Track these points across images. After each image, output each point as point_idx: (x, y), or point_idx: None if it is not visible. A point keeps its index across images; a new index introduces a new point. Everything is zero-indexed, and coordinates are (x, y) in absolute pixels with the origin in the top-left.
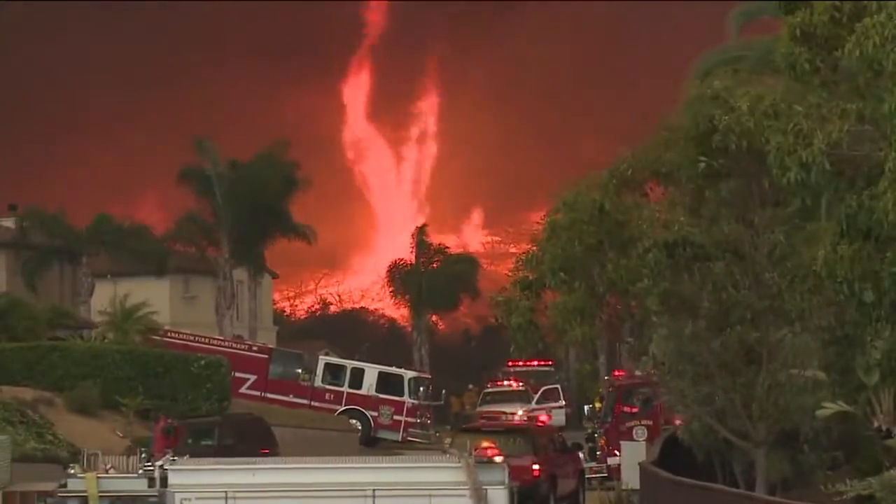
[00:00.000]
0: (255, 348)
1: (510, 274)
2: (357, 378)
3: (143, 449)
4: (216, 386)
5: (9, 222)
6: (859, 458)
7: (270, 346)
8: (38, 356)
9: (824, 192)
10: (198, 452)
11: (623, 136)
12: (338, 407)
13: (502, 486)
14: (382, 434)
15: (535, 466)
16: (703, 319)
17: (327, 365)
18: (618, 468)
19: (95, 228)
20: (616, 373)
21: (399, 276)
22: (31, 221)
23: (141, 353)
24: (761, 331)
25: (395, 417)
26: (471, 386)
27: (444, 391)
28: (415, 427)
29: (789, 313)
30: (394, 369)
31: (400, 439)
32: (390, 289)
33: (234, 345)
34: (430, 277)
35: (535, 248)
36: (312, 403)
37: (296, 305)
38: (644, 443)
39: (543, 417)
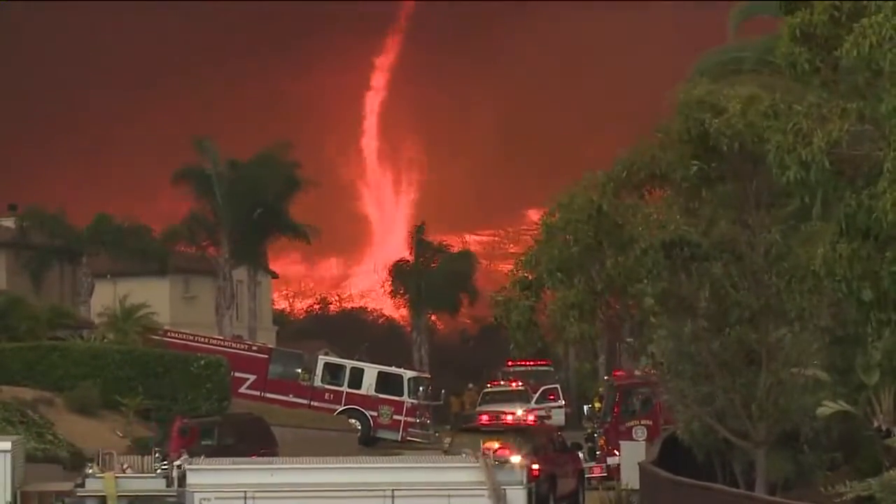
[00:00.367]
0: (254, 348)
1: (510, 273)
2: (356, 378)
3: (157, 449)
4: (216, 386)
5: (9, 222)
6: (859, 458)
7: (270, 346)
8: (38, 356)
9: (822, 191)
10: (198, 452)
11: (624, 136)
12: (337, 407)
13: (520, 486)
14: (382, 434)
15: (535, 466)
16: (702, 319)
17: (327, 365)
18: (617, 468)
19: (95, 228)
20: (616, 373)
21: (398, 276)
22: (31, 221)
23: (141, 353)
24: (760, 331)
25: (395, 417)
26: (470, 385)
27: (443, 391)
28: (414, 427)
29: (789, 313)
30: (393, 369)
31: (399, 439)
32: (390, 289)
33: (234, 345)
34: (430, 277)
35: (533, 248)
36: (312, 403)
37: (295, 305)
38: (644, 443)
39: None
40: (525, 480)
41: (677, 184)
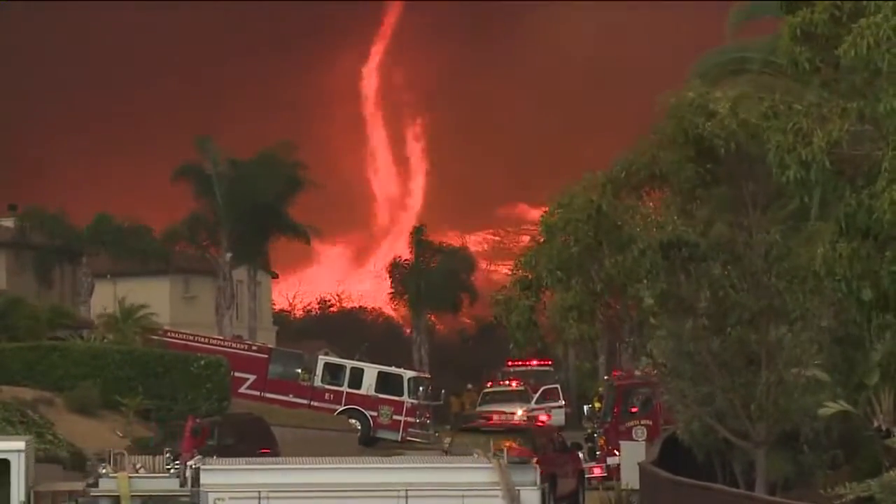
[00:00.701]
0: (254, 348)
1: (510, 273)
2: (356, 378)
3: (168, 448)
4: (216, 386)
5: (9, 222)
6: (859, 458)
7: (270, 345)
8: (38, 356)
9: (821, 191)
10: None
11: (625, 136)
12: (337, 407)
13: (534, 487)
14: (382, 434)
15: None
16: (701, 319)
17: (327, 365)
18: (617, 468)
19: (95, 228)
20: (616, 373)
21: (398, 276)
22: (31, 221)
23: (141, 353)
24: (760, 331)
25: (395, 417)
26: (470, 385)
27: (443, 391)
28: (414, 427)
29: (790, 313)
30: (393, 369)
31: (399, 439)
32: (390, 290)
33: (234, 345)
34: (429, 277)
35: (533, 248)
36: (312, 403)
37: (295, 305)
38: (644, 443)
39: (543, 417)
40: (539, 481)
41: (675, 185)
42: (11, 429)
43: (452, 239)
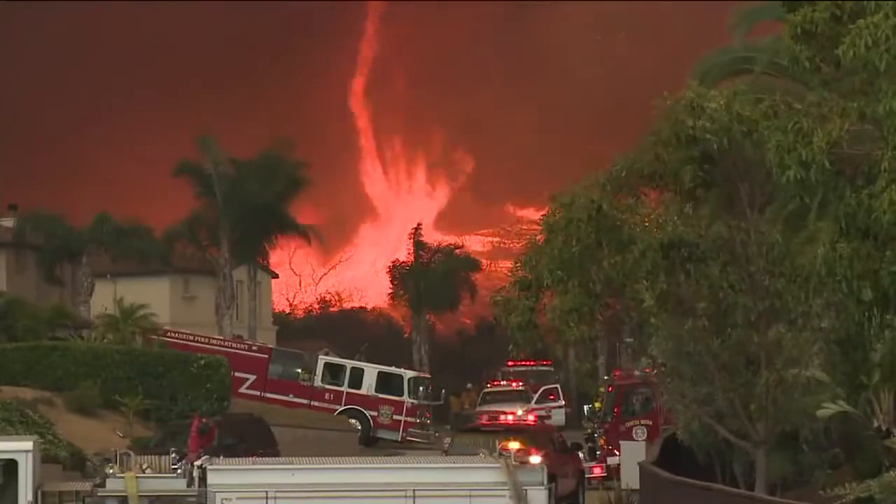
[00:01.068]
0: (254, 348)
1: (509, 273)
2: (357, 378)
3: (174, 448)
4: (216, 386)
5: (9, 222)
6: (859, 458)
7: (270, 345)
8: (38, 356)
9: (819, 191)
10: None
11: (624, 137)
12: (337, 407)
13: (541, 487)
14: (382, 434)
15: None
16: (701, 320)
17: (327, 365)
18: (617, 468)
19: (95, 228)
20: (616, 373)
21: (398, 276)
22: (31, 221)
23: (141, 353)
24: (760, 332)
25: (395, 417)
26: (469, 385)
27: (443, 391)
28: (414, 427)
29: (790, 313)
30: (393, 369)
31: (399, 439)
32: (390, 290)
33: (234, 345)
34: (429, 277)
35: (533, 248)
36: (312, 403)
37: (295, 305)
38: (644, 443)
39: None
40: (545, 481)
41: (674, 186)
42: (11, 429)
43: (452, 239)
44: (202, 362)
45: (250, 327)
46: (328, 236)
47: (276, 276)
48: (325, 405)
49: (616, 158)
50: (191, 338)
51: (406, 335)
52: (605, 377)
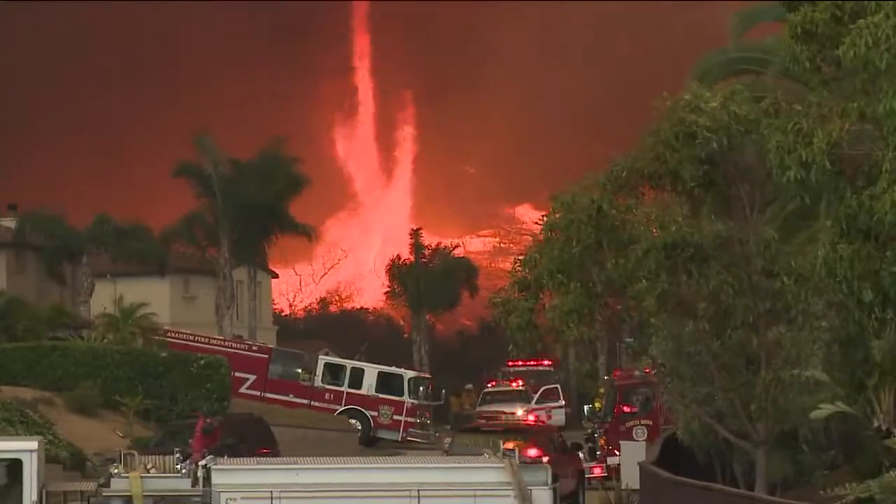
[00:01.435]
0: (254, 348)
1: (509, 274)
2: (357, 378)
3: (178, 448)
4: (216, 386)
5: (9, 222)
6: (859, 458)
7: (270, 345)
8: (38, 356)
9: (823, 192)
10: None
11: (625, 137)
12: (338, 407)
13: (546, 487)
14: (382, 434)
15: None
16: (702, 320)
17: (327, 365)
18: (617, 468)
19: (95, 229)
20: (616, 373)
21: (398, 276)
22: (31, 221)
23: (141, 353)
24: (759, 332)
25: (395, 417)
26: (469, 385)
27: (443, 391)
28: (415, 427)
29: (790, 311)
30: (394, 369)
31: (399, 439)
32: (388, 289)
33: (234, 345)
34: (429, 277)
35: (533, 248)
36: (312, 403)
37: (295, 305)
38: (644, 443)
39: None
40: (550, 480)
41: (673, 186)
42: (12, 429)
43: (452, 239)
44: (202, 362)
45: (250, 327)
46: (323, 236)
47: (277, 276)
48: (326, 405)
49: (616, 159)
50: (191, 338)
51: (406, 335)
52: (606, 377)
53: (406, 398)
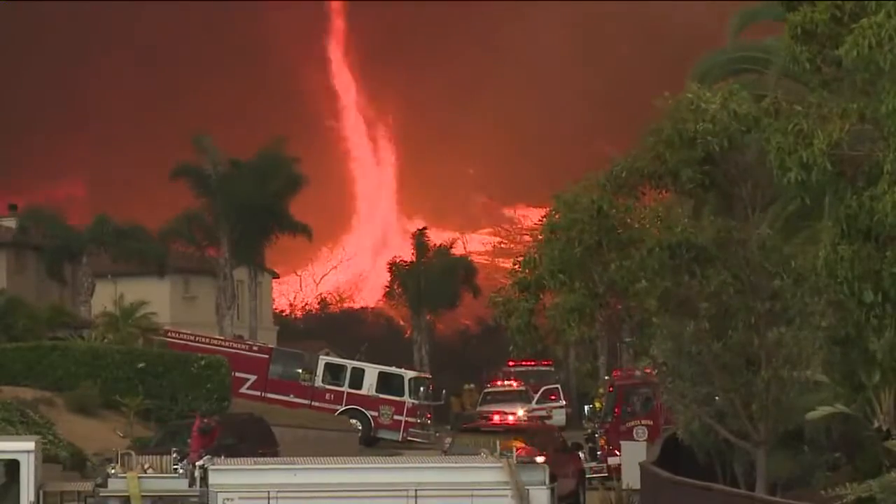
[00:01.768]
0: (255, 348)
1: (509, 274)
2: (357, 378)
3: (175, 448)
4: (216, 386)
5: (9, 222)
6: (860, 458)
7: (271, 345)
8: (38, 356)
9: (825, 192)
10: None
11: (625, 137)
12: (338, 407)
13: (543, 486)
14: (382, 434)
15: None
16: (703, 320)
17: (327, 365)
18: (618, 468)
19: (95, 229)
20: (616, 373)
21: (398, 276)
22: (31, 221)
23: (141, 353)
24: (760, 332)
25: (396, 417)
26: (469, 385)
27: (444, 391)
28: (415, 427)
29: (790, 312)
30: (394, 369)
31: (400, 439)
32: (385, 289)
33: (235, 345)
34: (429, 277)
35: (533, 248)
36: (313, 403)
37: (295, 305)
38: (644, 443)
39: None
40: (548, 480)
41: (674, 186)
42: (12, 429)
43: (452, 239)
44: (202, 362)
45: (251, 327)
46: (323, 236)
47: (277, 276)
48: (326, 405)
49: (616, 159)
50: (191, 338)
51: (406, 335)
52: (606, 377)
53: (406, 398)
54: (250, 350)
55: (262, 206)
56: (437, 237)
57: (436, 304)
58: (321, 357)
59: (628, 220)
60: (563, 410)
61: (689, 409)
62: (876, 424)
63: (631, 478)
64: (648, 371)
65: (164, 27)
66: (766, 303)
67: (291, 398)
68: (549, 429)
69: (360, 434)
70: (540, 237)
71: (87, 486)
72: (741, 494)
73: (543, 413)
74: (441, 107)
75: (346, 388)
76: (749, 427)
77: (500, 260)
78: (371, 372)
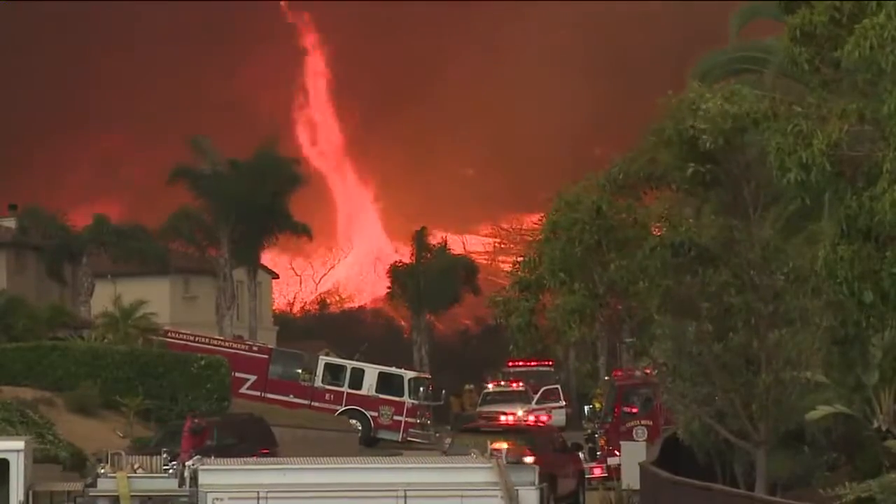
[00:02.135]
0: (255, 348)
1: (509, 274)
2: (357, 378)
3: (165, 448)
4: (216, 386)
5: (9, 222)
6: (860, 458)
7: (270, 346)
8: (38, 356)
9: (826, 193)
10: (197, 453)
11: (625, 137)
12: (338, 407)
13: (533, 487)
14: (382, 434)
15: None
16: (705, 321)
17: (327, 365)
18: (618, 468)
19: (95, 228)
20: (616, 373)
21: (398, 276)
22: (31, 221)
23: (141, 353)
24: (761, 333)
25: (395, 417)
26: (469, 385)
27: (443, 391)
28: (415, 427)
29: (789, 313)
30: (394, 369)
31: (400, 439)
32: (388, 290)
33: (234, 345)
34: (429, 276)
35: (533, 249)
36: (312, 403)
37: (295, 305)
38: (644, 443)
39: (544, 417)
40: (537, 481)
41: (676, 185)
42: (12, 429)
43: (452, 239)
44: (202, 362)
45: (251, 327)
46: (323, 237)
47: (277, 277)
48: (326, 405)
49: (615, 159)
50: (191, 338)
51: (406, 335)
52: (606, 377)
53: (406, 398)
54: (250, 350)
55: (262, 206)
56: (436, 238)
57: (436, 304)
58: (321, 357)
59: (628, 220)
60: (563, 411)
61: (689, 409)
62: (876, 424)
63: (631, 478)
64: (648, 371)
65: (164, 27)
66: (769, 305)
67: (291, 398)
68: (548, 429)
69: (359, 434)
70: (540, 237)
71: (76, 486)
72: (741, 494)
73: (543, 413)
74: (440, 107)
75: (345, 389)
76: (749, 427)
77: (500, 259)
78: (371, 372)
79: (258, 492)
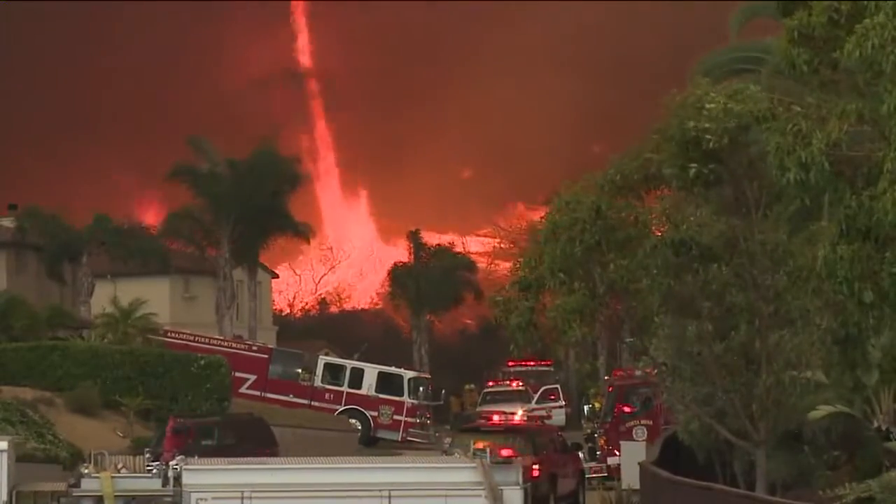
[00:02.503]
0: (254, 348)
1: (509, 274)
2: (357, 378)
3: (147, 449)
4: (216, 386)
5: (9, 222)
6: (860, 458)
7: (270, 346)
8: (38, 356)
9: (825, 192)
10: (198, 452)
11: (625, 137)
12: (338, 407)
13: (517, 486)
14: (382, 434)
15: (535, 466)
16: (706, 320)
17: (327, 365)
18: (618, 468)
19: (95, 228)
20: (616, 373)
21: (398, 277)
22: (31, 221)
23: (141, 353)
24: (761, 333)
25: (395, 417)
26: (469, 385)
27: (443, 391)
28: (415, 427)
29: (790, 313)
30: (393, 369)
31: (399, 439)
32: (388, 289)
33: (234, 345)
34: (429, 276)
35: (534, 247)
36: (312, 403)
37: (295, 305)
38: (644, 443)
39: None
40: (521, 480)
41: (677, 184)
42: (12, 429)
43: (452, 239)
44: (202, 362)
45: (250, 327)
46: (323, 236)
47: (277, 276)
48: (326, 405)
49: (614, 160)
50: (191, 338)
51: (406, 335)
52: (606, 377)
53: (406, 398)
54: (250, 350)
55: (261, 206)
56: (436, 239)
57: (435, 304)
58: (320, 357)
59: (629, 219)
60: (563, 410)
61: (689, 409)
62: (876, 424)
63: (630, 478)
64: (648, 371)
65: (163, 27)
66: (770, 305)
67: (291, 398)
68: (548, 429)
69: (359, 434)
70: (539, 237)
71: (60, 486)
72: (741, 494)
73: (543, 413)
74: (439, 107)
75: (345, 388)
76: (749, 427)
77: (500, 262)
78: (370, 372)
79: (242, 491)
